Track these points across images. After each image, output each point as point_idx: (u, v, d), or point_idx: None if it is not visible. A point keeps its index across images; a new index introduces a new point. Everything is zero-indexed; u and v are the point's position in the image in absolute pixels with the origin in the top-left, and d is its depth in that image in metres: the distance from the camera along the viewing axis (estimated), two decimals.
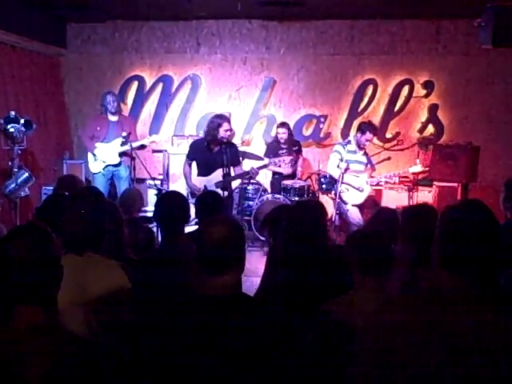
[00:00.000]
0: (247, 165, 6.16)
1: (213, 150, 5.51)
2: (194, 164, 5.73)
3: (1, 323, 1.54)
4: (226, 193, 5.32)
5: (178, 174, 6.70)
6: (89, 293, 2.25)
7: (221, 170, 5.34)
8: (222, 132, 5.41)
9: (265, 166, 6.13)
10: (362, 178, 6.12)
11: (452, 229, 1.58)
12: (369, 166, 6.30)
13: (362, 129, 6.13)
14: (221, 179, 5.35)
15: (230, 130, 5.49)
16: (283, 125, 6.98)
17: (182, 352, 1.77)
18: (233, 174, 5.56)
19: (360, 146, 6.15)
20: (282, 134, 6.90)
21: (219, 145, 5.44)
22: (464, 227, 1.56)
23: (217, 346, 1.75)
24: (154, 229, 4.23)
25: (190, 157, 5.69)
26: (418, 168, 6.33)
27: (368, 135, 6.07)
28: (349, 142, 6.15)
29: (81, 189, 3.97)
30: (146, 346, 1.84)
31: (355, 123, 7.24)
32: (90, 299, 2.24)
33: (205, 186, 5.40)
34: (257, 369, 1.76)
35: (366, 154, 6.32)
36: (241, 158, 6.02)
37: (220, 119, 5.48)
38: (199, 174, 5.65)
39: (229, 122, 5.55)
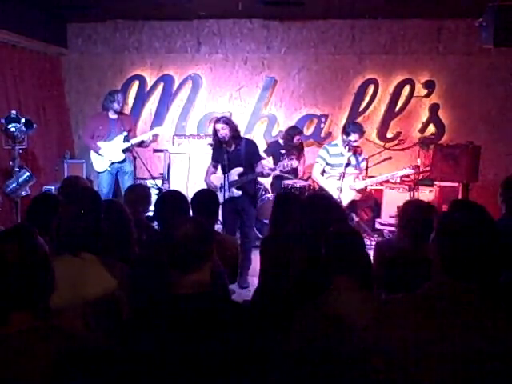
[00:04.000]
0: None
1: (229, 149, 5.46)
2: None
3: None
4: (239, 192, 5.36)
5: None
6: (85, 293, 2.25)
7: (237, 168, 5.36)
8: (219, 134, 5.39)
9: (274, 170, 6.05)
10: (345, 181, 5.85)
11: (452, 237, 1.57)
12: (357, 167, 6.01)
13: (346, 131, 5.89)
14: (236, 178, 5.38)
15: (223, 128, 5.42)
16: (300, 132, 6.99)
17: (157, 351, 1.77)
18: (257, 170, 5.52)
19: (349, 148, 5.90)
20: (299, 140, 6.94)
21: (235, 144, 5.43)
22: (463, 233, 1.55)
23: (190, 345, 1.75)
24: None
25: (212, 158, 5.68)
26: (408, 171, 6.18)
27: (353, 136, 5.81)
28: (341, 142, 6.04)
29: (77, 190, 3.93)
30: (132, 345, 1.85)
31: None
32: (86, 299, 2.24)
33: (221, 184, 5.41)
34: (231, 368, 1.76)
35: (356, 154, 6.03)
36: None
37: (215, 123, 5.47)
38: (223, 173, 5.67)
39: (219, 121, 5.41)
